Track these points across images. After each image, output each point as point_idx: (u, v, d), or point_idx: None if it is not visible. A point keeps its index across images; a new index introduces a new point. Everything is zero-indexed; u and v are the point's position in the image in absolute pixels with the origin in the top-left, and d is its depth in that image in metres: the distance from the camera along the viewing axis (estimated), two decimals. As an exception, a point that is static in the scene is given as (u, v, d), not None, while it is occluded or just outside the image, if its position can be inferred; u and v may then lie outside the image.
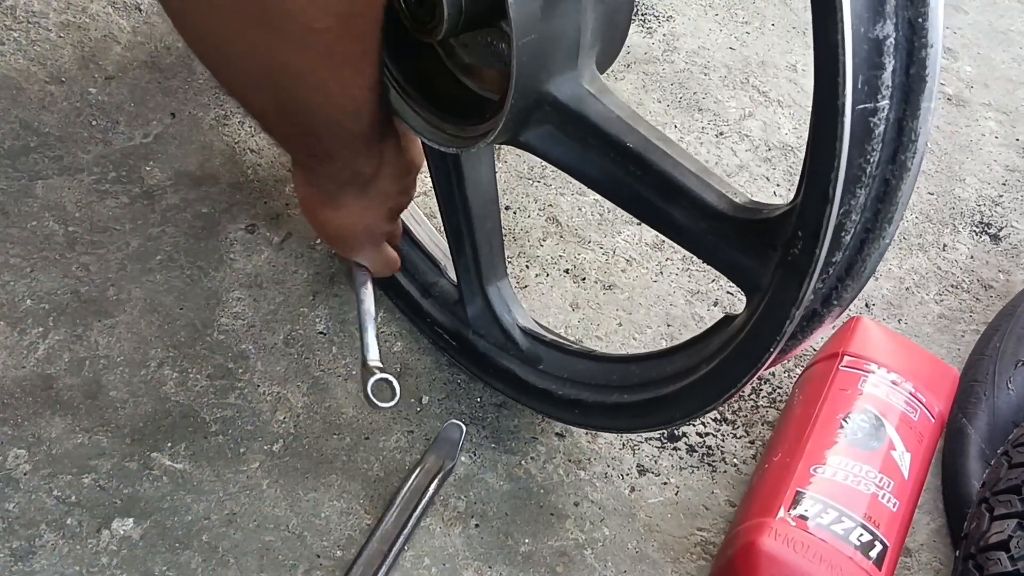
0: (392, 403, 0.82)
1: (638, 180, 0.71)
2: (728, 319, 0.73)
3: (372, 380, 0.82)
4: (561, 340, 0.92)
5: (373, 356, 0.85)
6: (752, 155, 1.24)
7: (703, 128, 1.26)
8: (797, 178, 1.23)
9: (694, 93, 1.30)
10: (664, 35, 1.37)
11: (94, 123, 1.10)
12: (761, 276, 0.65)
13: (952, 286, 1.15)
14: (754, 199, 0.68)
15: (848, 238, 0.60)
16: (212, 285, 1.00)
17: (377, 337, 0.87)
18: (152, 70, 1.16)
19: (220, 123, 1.13)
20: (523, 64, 0.67)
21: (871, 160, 0.57)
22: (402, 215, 1.02)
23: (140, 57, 1.17)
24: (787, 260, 0.61)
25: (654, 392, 0.79)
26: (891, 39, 0.54)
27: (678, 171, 0.69)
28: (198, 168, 1.08)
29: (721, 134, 1.26)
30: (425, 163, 0.89)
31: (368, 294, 0.90)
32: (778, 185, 1.21)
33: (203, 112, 1.13)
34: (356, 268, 0.91)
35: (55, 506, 0.83)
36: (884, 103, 0.55)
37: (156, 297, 0.98)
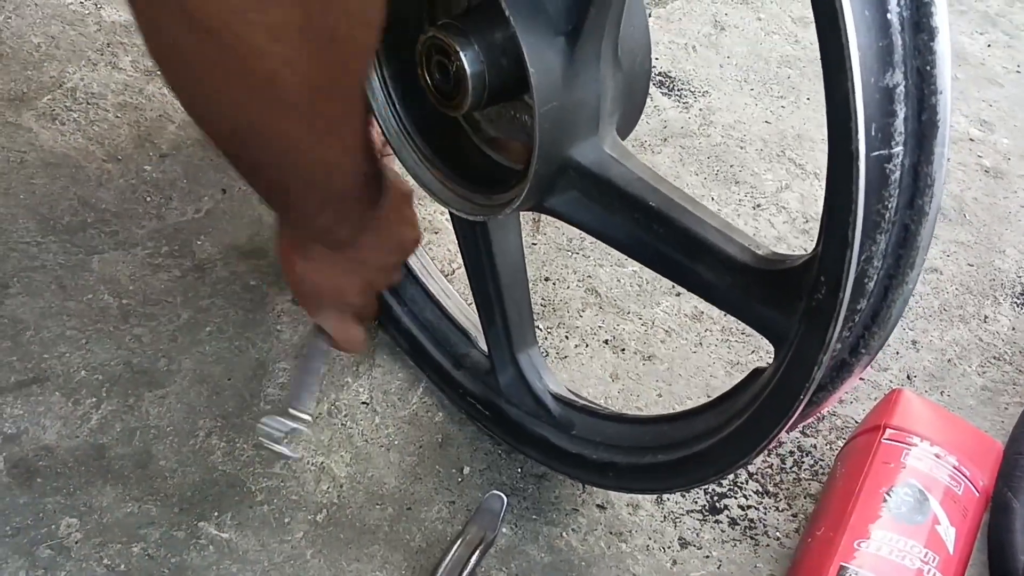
0: (290, 452, 0.89)
1: (662, 239, 0.73)
2: (757, 372, 0.73)
3: (274, 422, 0.88)
4: (593, 404, 0.93)
5: (302, 406, 0.90)
6: (790, 227, 1.25)
7: (740, 200, 1.28)
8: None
9: (731, 166, 1.32)
10: (700, 109, 1.40)
11: (148, 199, 1.14)
12: (788, 327, 0.66)
13: (994, 358, 1.14)
14: (777, 251, 0.69)
15: (871, 285, 0.61)
16: (259, 356, 1.02)
17: (312, 393, 0.91)
18: (204, 148, 1.20)
19: (269, 198, 1.17)
20: (545, 130, 0.70)
21: (889, 206, 0.58)
22: (431, 287, 1.04)
23: (193, 136, 1.21)
24: (811, 307, 0.62)
25: (687, 450, 0.79)
26: (901, 87, 0.55)
27: (700, 227, 0.71)
28: (247, 242, 1.12)
29: (758, 206, 1.27)
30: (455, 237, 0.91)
31: (318, 358, 0.93)
32: (816, 257, 1.22)
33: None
34: (318, 331, 0.92)
35: (105, 575, 0.85)
36: (898, 149, 0.57)
37: (205, 368, 1.00)
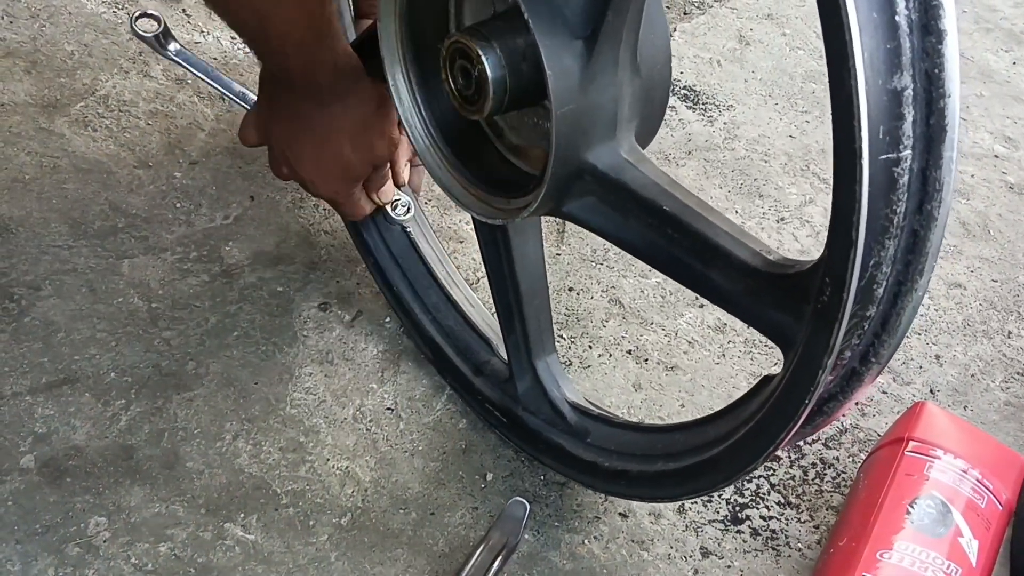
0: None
1: (676, 244, 0.73)
2: (767, 380, 0.73)
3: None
4: (608, 413, 0.94)
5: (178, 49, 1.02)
6: (813, 240, 1.25)
7: (764, 214, 1.28)
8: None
9: (755, 180, 1.33)
10: (725, 123, 1.41)
11: (178, 205, 1.16)
12: (796, 332, 0.66)
13: (1018, 373, 1.14)
14: (787, 256, 0.69)
15: (880, 291, 0.61)
16: (286, 361, 1.03)
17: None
18: (233, 156, 1.22)
19: (296, 206, 1.18)
20: (562, 133, 0.71)
21: (897, 211, 0.58)
22: (454, 294, 1.05)
23: (222, 143, 1.23)
24: (816, 310, 0.62)
25: (696, 457, 0.79)
26: (909, 90, 0.55)
27: (712, 231, 0.71)
28: (275, 248, 1.13)
29: (782, 220, 1.28)
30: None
31: (228, 85, 1.11)
32: (839, 270, 1.22)
33: (280, 195, 1.19)
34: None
35: (132, 574, 0.86)
36: (907, 153, 0.56)
37: (232, 371, 1.01)
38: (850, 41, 0.51)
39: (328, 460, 0.96)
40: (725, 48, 1.53)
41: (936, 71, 0.55)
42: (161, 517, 0.90)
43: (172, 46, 1.07)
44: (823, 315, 0.61)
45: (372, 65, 0.88)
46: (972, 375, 1.13)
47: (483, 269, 1.13)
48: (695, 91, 1.45)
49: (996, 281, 1.25)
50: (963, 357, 1.15)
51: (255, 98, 0.99)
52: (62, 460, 0.92)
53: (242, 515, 0.91)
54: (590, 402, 0.96)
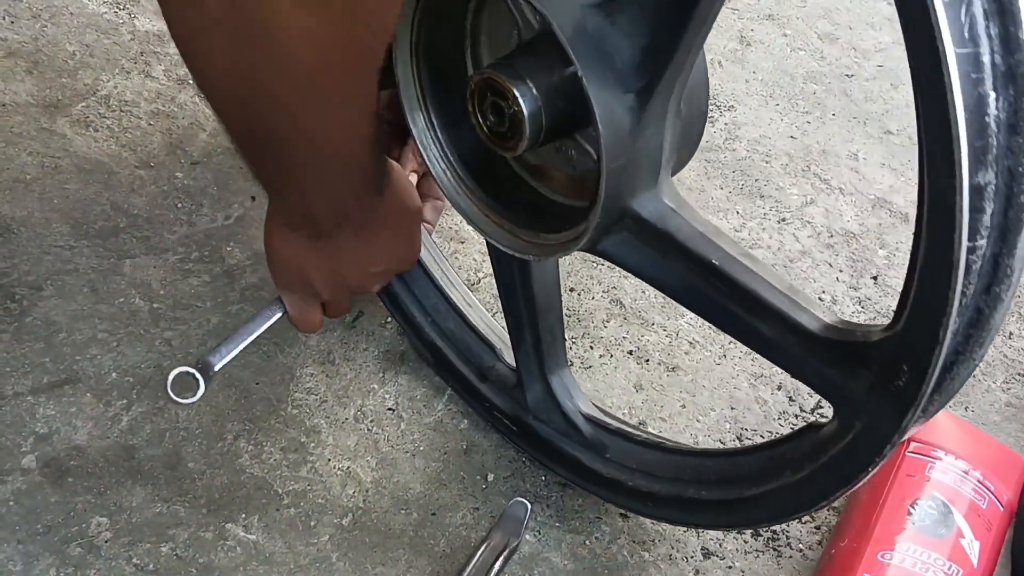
0: (192, 399, 0.82)
1: (721, 293, 0.73)
2: (814, 427, 0.74)
3: (177, 372, 0.82)
4: (627, 428, 0.93)
5: (216, 360, 0.84)
6: (814, 241, 1.25)
7: (765, 214, 1.28)
8: (860, 265, 1.24)
9: (756, 180, 1.33)
10: (726, 124, 1.41)
11: (180, 205, 1.16)
12: (850, 391, 0.67)
13: (1019, 374, 1.14)
14: (845, 319, 0.70)
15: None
16: (287, 361, 1.03)
17: (230, 348, 0.85)
18: (234, 156, 1.21)
19: (298, 206, 1.18)
20: (611, 187, 0.70)
21: (968, 292, 0.59)
22: (454, 297, 1.03)
23: (224, 144, 1.23)
24: (890, 390, 0.63)
25: (736, 492, 0.79)
26: (991, 185, 0.56)
27: (765, 289, 0.71)
28: (276, 249, 1.13)
29: (783, 220, 1.28)
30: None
31: (260, 322, 0.88)
32: (840, 271, 1.22)
33: (282, 195, 1.19)
34: (278, 301, 0.89)
35: (133, 574, 0.86)
36: (982, 243, 0.58)
37: (233, 372, 1.01)
38: (958, 148, 0.52)
39: (329, 460, 0.96)
40: (726, 49, 1.53)
41: (1020, 169, 0.56)
42: (162, 517, 0.90)
43: (217, 365, 0.86)
44: (898, 397, 0.63)
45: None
46: (973, 376, 1.13)
47: (485, 268, 1.13)
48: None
49: (997, 282, 1.25)
50: (964, 358, 1.15)
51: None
52: (64, 460, 0.92)
53: (243, 515, 0.91)
54: (605, 413, 0.95)
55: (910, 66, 0.54)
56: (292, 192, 0.74)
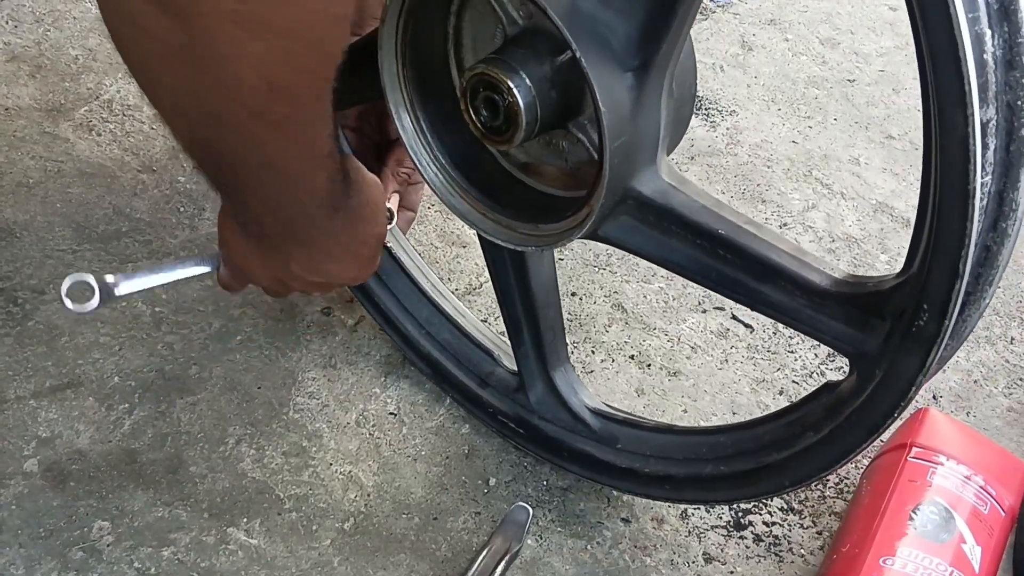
0: (80, 309, 0.76)
1: (729, 263, 0.73)
2: (831, 386, 0.74)
3: (79, 278, 0.77)
4: (634, 417, 0.93)
5: (123, 283, 0.80)
6: (816, 246, 1.25)
7: (766, 219, 1.28)
8: (862, 270, 1.24)
9: (757, 185, 1.33)
10: (728, 128, 1.41)
11: (182, 209, 1.16)
12: (867, 344, 0.68)
13: (1021, 379, 1.14)
14: (853, 273, 0.70)
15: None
16: (289, 365, 1.04)
17: (145, 278, 0.82)
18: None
19: (300, 210, 1.18)
20: (614, 166, 0.70)
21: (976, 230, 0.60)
22: (446, 307, 1.03)
23: (226, 147, 1.23)
24: (910, 334, 0.64)
25: (755, 461, 0.80)
26: (993, 121, 0.58)
27: (774, 253, 0.71)
28: (278, 253, 1.13)
29: (784, 225, 1.28)
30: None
31: (187, 266, 0.85)
32: (842, 276, 1.22)
33: (284, 200, 1.19)
34: (216, 256, 0.86)
35: (135, 577, 0.86)
36: (987, 179, 0.59)
37: (236, 376, 1.01)
38: (967, 83, 0.53)
39: (331, 465, 0.96)
40: (728, 53, 1.53)
41: (1018, 103, 0.58)
42: (164, 521, 0.90)
43: (120, 289, 0.81)
44: (918, 337, 0.63)
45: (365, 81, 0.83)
46: (975, 381, 1.13)
47: (486, 274, 1.13)
48: (698, 96, 1.45)
49: (999, 287, 1.25)
50: (966, 363, 1.15)
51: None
52: (65, 464, 0.93)
53: (245, 519, 0.91)
54: (610, 406, 0.96)
55: (909, 11, 0.55)
56: (242, 203, 0.74)
